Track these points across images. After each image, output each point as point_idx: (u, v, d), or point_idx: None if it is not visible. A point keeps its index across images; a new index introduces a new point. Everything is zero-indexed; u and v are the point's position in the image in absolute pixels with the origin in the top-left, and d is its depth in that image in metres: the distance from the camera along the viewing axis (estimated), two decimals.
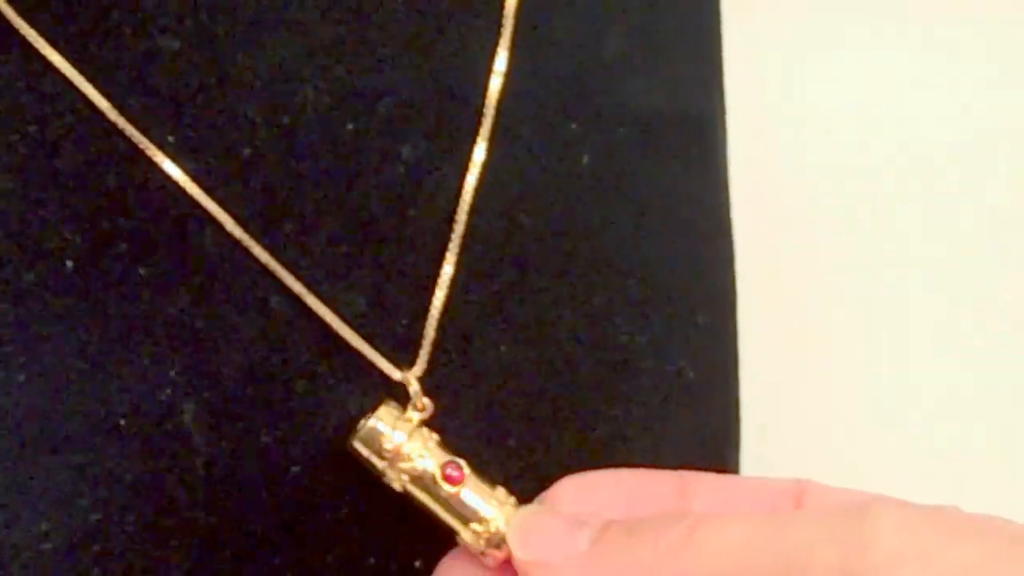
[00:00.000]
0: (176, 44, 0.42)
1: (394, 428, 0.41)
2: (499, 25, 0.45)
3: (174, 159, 0.41)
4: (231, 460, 0.41)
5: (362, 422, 0.42)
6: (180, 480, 0.41)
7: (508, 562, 0.41)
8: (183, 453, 0.41)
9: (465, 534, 0.41)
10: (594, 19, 0.46)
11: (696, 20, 0.49)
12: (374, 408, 0.41)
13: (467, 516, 0.41)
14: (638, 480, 0.42)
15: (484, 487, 0.41)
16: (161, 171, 0.41)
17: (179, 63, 0.42)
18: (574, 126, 0.45)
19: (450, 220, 0.44)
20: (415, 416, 0.42)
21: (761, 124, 0.62)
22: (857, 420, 0.66)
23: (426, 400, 0.42)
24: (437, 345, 0.43)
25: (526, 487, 0.42)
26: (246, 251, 0.41)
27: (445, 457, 0.41)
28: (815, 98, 0.68)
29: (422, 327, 0.43)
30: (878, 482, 0.40)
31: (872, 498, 0.37)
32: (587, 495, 0.42)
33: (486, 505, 0.41)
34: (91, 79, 0.41)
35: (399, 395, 0.42)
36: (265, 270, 0.41)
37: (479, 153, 0.44)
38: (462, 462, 0.41)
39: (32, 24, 0.41)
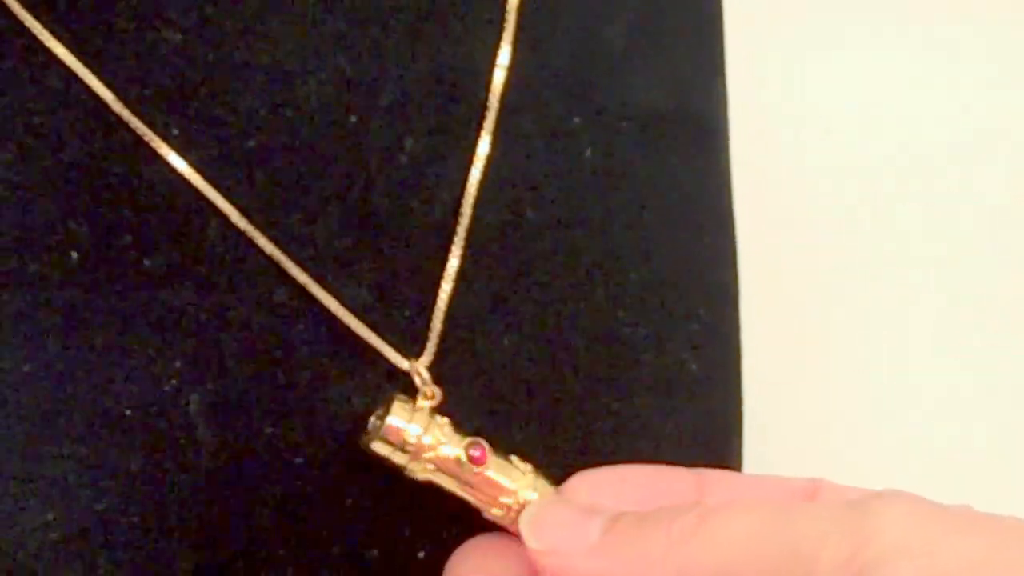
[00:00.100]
0: (180, 37, 0.42)
1: (411, 421, 0.41)
2: (502, 19, 0.45)
3: (178, 151, 0.41)
4: (235, 451, 0.41)
5: (374, 421, 0.42)
6: (184, 471, 0.41)
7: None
8: (188, 444, 0.41)
9: (496, 510, 0.42)
10: (596, 14, 0.46)
11: (698, 15, 0.49)
12: (386, 405, 0.41)
13: (494, 493, 0.41)
14: (652, 476, 0.43)
15: (503, 462, 0.42)
16: (165, 163, 0.41)
17: (183, 55, 0.42)
18: (576, 120, 0.45)
19: (453, 213, 0.44)
20: (425, 405, 0.42)
21: (761, 124, 0.62)
22: (857, 420, 0.66)
23: (435, 388, 0.42)
24: (443, 337, 0.43)
25: None
26: (250, 242, 0.41)
27: (465, 440, 0.41)
28: (815, 98, 0.68)
29: (426, 319, 0.43)
30: (878, 482, 0.40)
31: (881, 491, 0.37)
32: (600, 490, 0.42)
33: (509, 478, 0.41)
34: (95, 71, 0.41)
35: (402, 386, 0.42)
36: (270, 261, 0.42)
37: (483, 147, 0.44)
38: (482, 441, 0.41)
39: (37, 17, 0.41)
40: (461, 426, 0.42)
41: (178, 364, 0.41)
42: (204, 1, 0.42)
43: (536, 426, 0.44)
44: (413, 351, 0.43)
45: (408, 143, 0.43)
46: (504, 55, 0.45)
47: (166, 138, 0.41)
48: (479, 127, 0.44)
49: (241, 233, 0.42)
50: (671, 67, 0.47)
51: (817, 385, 0.66)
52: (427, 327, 0.43)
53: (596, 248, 0.45)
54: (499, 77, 0.45)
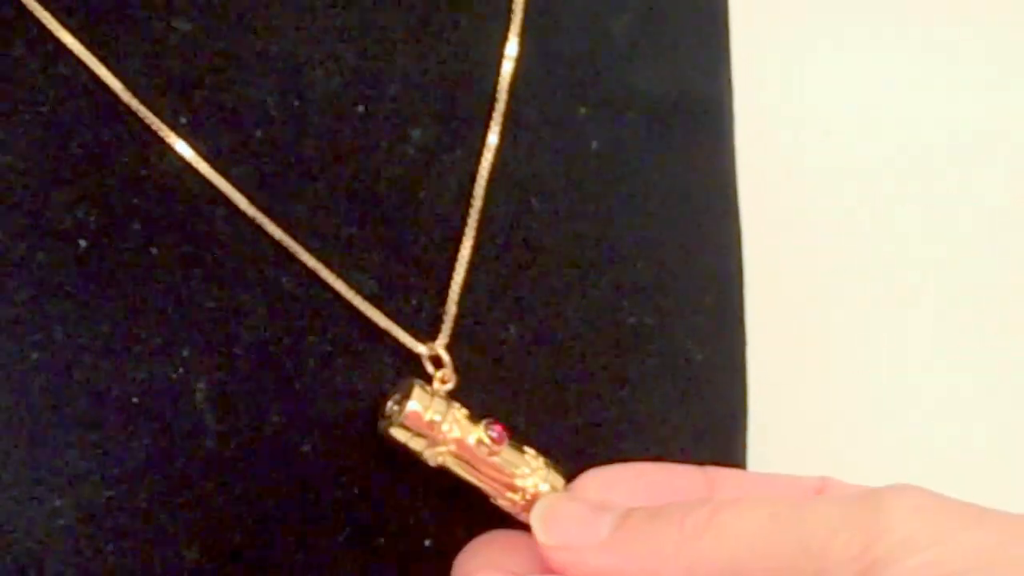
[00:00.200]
0: (188, 26, 0.42)
1: (430, 406, 0.41)
2: (509, 11, 0.45)
3: (187, 140, 0.41)
4: (243, 438, 0.41)
5: (391, 406, 0.42)
6: (192, 458, 0.41)
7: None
8: (195, 431, 0.41)
9: (510, 494, 0.42)
10: (602, 5, 0.47)
11: (703, 5, 0.49)
12: (404, 390, 0.41)
13: (506, 481, 0.42)
14: (662, 473, 0.43)
15: (517, 452, 0.42)
16: (173, 152, 0.41)
17: (191, 45, 0.42)
18: (583, 111, 0.46)
19: (461, 202, 0.44)
20: (442, 389, 0.42)
21: (761, 124, 0.62)
22: (857, 420, 0.66)
23: (451, 372, 0.42)
24: (456, 322, 0.43)
25: None
26: (258, 230, 0.42)
27: (482, 424, 0.41)
28: (815, 98, 0.68)
29: (433, 306, 0.43)
30: (879, 482, 0.40)
31: (891, 485, 0.37)
32: (611, 487, 0.42)
33: (521, 468, 0.42)
34: (104, 61, 0.41)
35: (413, 373, 0.42)
36: (278, 248, 0.42)
37: (492, 137, 0.44)
38: (500, 424, 0.42)
39: (46, 7, 0.41)
40: (473, 412, 0.42)
41: (185, 352, 0.41)
42: None
43: (541, 414, 0.44)
44: (424, 337, 0.43)
45: (415, 134, 0.43)
46: (511, 46, 0.45)
47: (174, 127, 0.42)
48: (487, 118, 0.44)
49: (249, 221, 0.42)
50: (677, 57, 0.47)
51: (817, 385, 0.66)
52: (435, 314, 0.43)
53: (602, 237, 0.45)
54: (507, 68, 0.45)
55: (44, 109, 0.41)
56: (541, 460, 0.42)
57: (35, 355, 0.40)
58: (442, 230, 0.44)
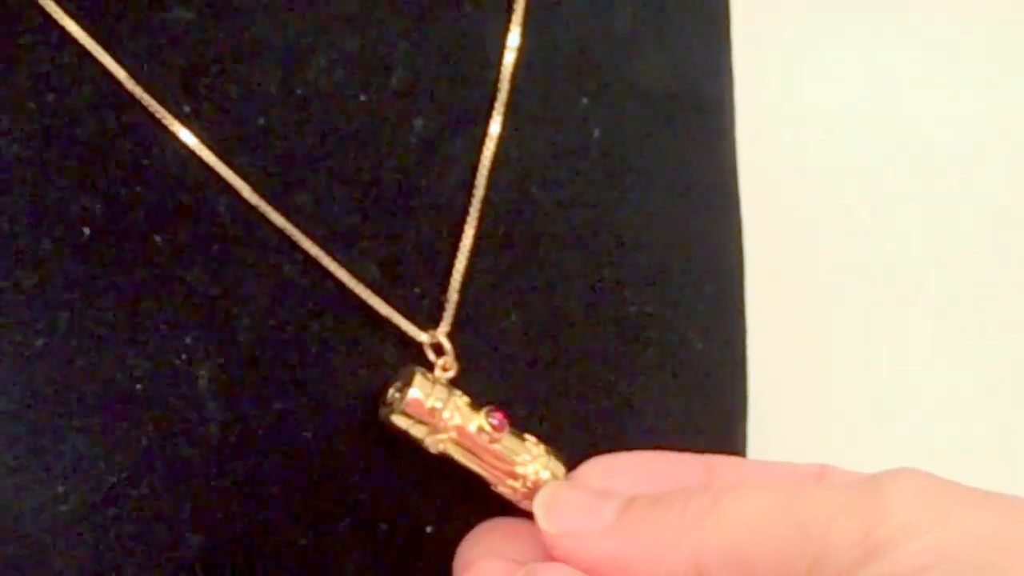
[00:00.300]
0: (192, 15, 0.42)
1: (431, 394, 0.41)
2: (511, 1, 0.45)
3: (190, 128, 0.42)
4: (245, 425, 0.42)
5: (393, 393, 0.42)
6: (194, 445, 0.41)
7: None
8: (198, 418, 0.41)
9: (511, 481, 0.42)
10: None
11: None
12: (406, 378, 0.42)
13: (507, 468, 0.42)
14: (663, 462, 0.43)
15: (518, 439, 0.42)
16: (177, 140, 0.41)
17: (195, 34, 0.42)
18: (585, 101, 0.46)
19: (463, 191, 0.44)
20: (444, 377, 0.42)
21: (762, 122, 0.62)
22: (857, 420, 0.66)
23: (453, 360, 0.42)
24: (458, 310, 0.43)
25: None
26: (261, 218, 0.42)
27: (483, 411, 0.42)
28: (816, 96, 0.68)
29: (435, 295, 0.43)
30: None
31: (892, 469, 0.37)
32: (612, 475, 0.42)
33: (522, 455, 0.42)
34: (108, 49, 0.41)
35: (414, 360, 0.43)
36: (280, 236, 0.42)
37: (494, 127, 0.44)
38: (501, 411, 0.42)
39: None
40: (474, 399, 0.42)
41: (188, 339, 0.41)
42: None
43: (542, 402, 0.44)
44: (425, 325, 0.43)
45: (418, 123, 0.44)
46: (514, 36, 0.45)
47: (178, 115, 0.42)
48: (489, 107, 0.44)
49: (252, 209, 0.42)
50: (678, 49, 0.48)
51: (817, 385, 0.66)
52: (437, 302, 0.43)
53: (603, 227, 0.46)
54: (509, 58, 0.45)
55: (49, 97, 0.41)
56: (542, 447, 0.42)
57: (39, 342, 0.40)
58: (444, 219, 0.44)
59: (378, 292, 0.42)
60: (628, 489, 0.40)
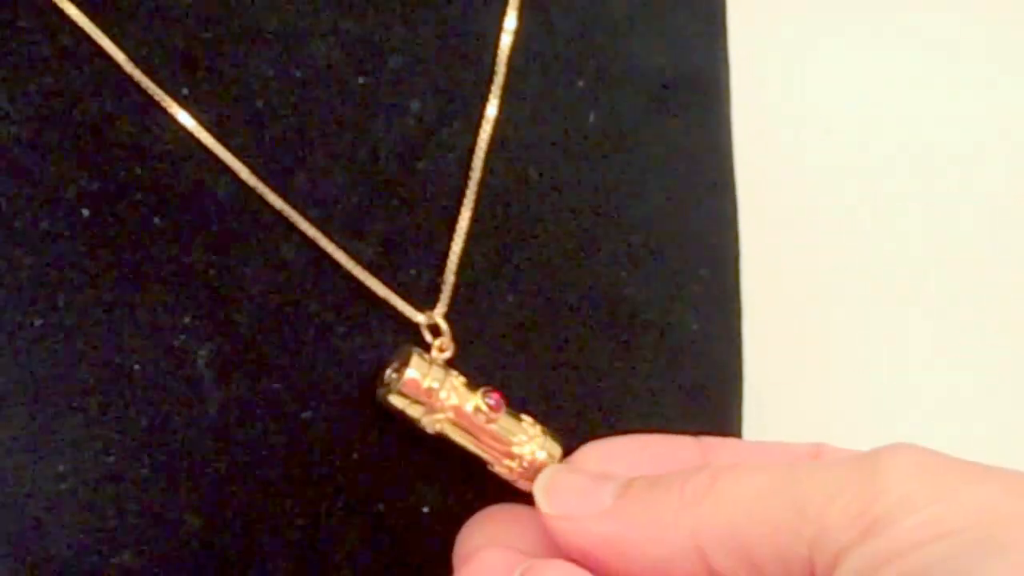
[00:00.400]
0: None
1: (428, 374, 0.41)
2: None
3: (188, 110, 0.42)
4: (243, 405, 0.42)
5: (390, 374, 0.42)
6: (193, 425, 0.41)
7: None
8: (196, 398, 0.41)
9: (508, 462, 0.42)
10: None
11: None
12: (403, 358, 0.42)
13: (503, 448, 0.42)
14: (660, 444, 0.43)
15: (514, 419, 0.42)
16: (175, 121, 0.42)
17: (193, 16, 0.42)
18: (581, 84, 0.46)
19: (460, 174, 0.44)
20: (440, 357, 0.42)
21: (762, 122, 0.62)
22: (857, 420, 0.66)
23: (449, 340, 0.43)
24: (455, 291, 0.43)
25: None
26: (259, 199, 0.42)
27: (479, 391, 0.42)
28: (815, 98, 0.68)
29: (432, 276, 0.43)
30: None
31: (889, 445, 0.37)
32: (610, 458, 0.42)
33: (519, 435, 0.42)
34: (107, 31, 0.42)
35: (412, 341, 0.43)
36: (278, 218, 0.42)
37: (491, 109, 0.44)
38: (497, 392, 0.42)
39: None
40: (471, 380, 0.42)
41: (187, 320, 0.42)
42: None
43: (539, 384, 0.45)
44: (422, 306, 0.43)
45: (415, 105, 0.44)
46: (510, 20, 0.45)
47: (176, 97, 0.42)
48: (486, 90, 0.45)
49: (250, 190, 0.42)
50: (674, 34, 0.48)
51: (817, 386, 0.66)
52: (434, 284, 0.43)
53: (599, 209, 0.46)
54: (505, 41, 0.45)
55: (48, 80, 0.41)
56: (538, 428, 0.43)
57: (38, 322, 0.41)
58: (441, 201, 0.44)
59: (375, 273, 0.43)
60: (627, 471, 0.40)
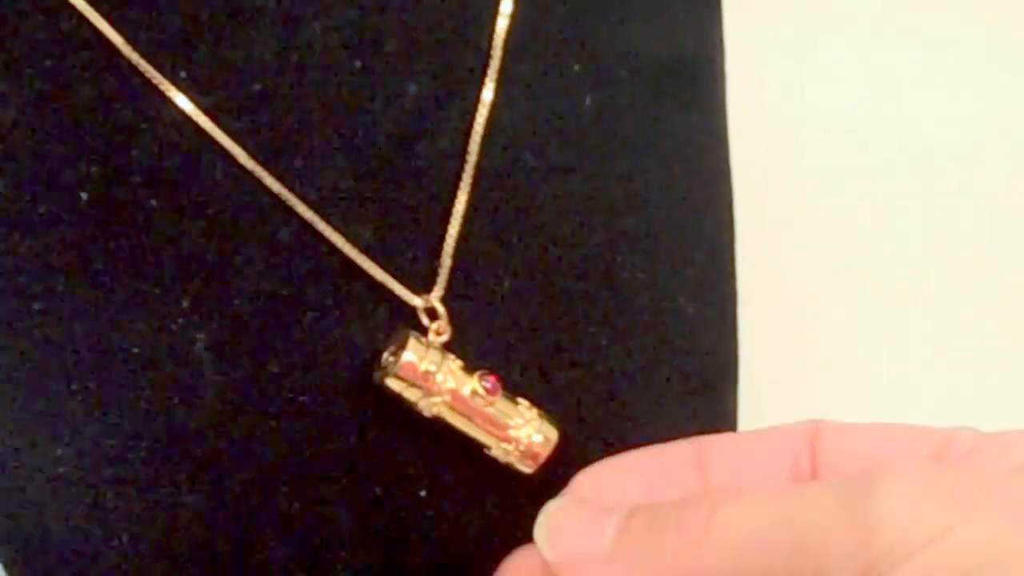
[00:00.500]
0: None
1: (425, 357, 0.41)
2: None
3: (186, 94, 0.42)
4: (241, 389, 0.42)
5: (387, 357, 0.42)
6: (191, 408, 0.41)
7: None
8: (194, 382, 0.42)
9: (505, 445, 0.43)
10: None
11: None
12: (400, 341, 0.42)
13: (500, 431, 0.42)
14: (652, 459, 0.43)
15: (511, 402, 0.43)
16: (174, 105, 0.42)
17: (191, 0, 0.42)
18: (577, 68, 0.46)
19: (455, 157, 0.44)
20: (437, 341, 0.42)
21: (761, 124, 0.62)
22: (857, 420, 0.66)
23: (446, 323, 0.43)
24: (451, 274, 0.43)
25: None
26: (257, 183, 0.42)
27: (476, 375, 0.42)
28: (815, 98, 0.68)
29: (429, 259, 0.43)
30: None
31: (883, 468, 0.36)
32: (604, 485, 0.42)
33: (515, 418, 0.42)
34: (105, 15, 0.42)
35: (409, 324, 0.43)
36: (276, 201, 0.42)
37: (487, 93, 0.44)
38: (494, 374, 0.42)
39: None
40: (467, 363, 0.42)
41: (185, 303, 0.42)
42: None
43: (535, 366, 0.45)
44: (418, 289, 0.43)
45: (412, 89, 0.44)
46: (506, 3, 0.45)
47: (174, 81, 0.42)
48: (482, 74, 0.45)
49: (248, 173, 0.42)
50: (669, 19, 0.48)
51: (817, 386, 0.66)
52: (430, 267, 0.43)
53: (595, 192, 0.46)
54: (501, 25, 0.45)
55: (46, 63, 0.42)
56: (535, 411, 0.43)
57: (37, 306, 0.41)
58: (437, 184, 0.44)
59: (372, 257, 0.43)
60: (623, 493, 0.40)
